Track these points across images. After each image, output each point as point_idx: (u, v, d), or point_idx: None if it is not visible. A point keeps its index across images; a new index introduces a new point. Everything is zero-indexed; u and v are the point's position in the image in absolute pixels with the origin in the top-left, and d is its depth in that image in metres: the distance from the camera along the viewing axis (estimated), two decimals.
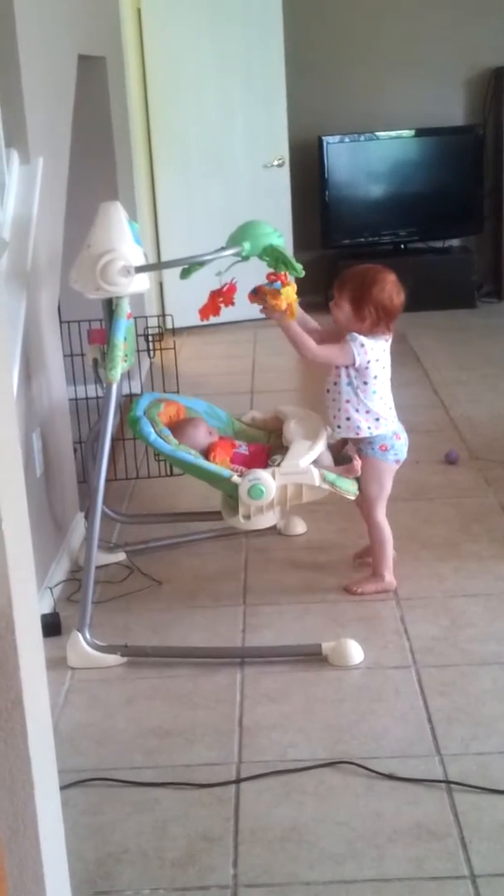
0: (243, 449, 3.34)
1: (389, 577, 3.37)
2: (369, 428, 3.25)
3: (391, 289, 3.20)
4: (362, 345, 3.20)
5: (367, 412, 3.25)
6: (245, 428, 3.52)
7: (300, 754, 2.58)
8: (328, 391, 3.30)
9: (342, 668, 2.95)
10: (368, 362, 3.21)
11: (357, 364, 3.21)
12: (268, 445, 3.41)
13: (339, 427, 3.28)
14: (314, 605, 3.33)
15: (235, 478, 3.11)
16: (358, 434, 3.26)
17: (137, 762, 2.60)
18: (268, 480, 3.07)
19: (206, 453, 3.25)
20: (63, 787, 1.98)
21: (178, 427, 3.31)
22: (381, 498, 3.34)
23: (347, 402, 3.24)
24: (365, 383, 3.23)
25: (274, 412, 3.52)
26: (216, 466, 3.17)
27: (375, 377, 3.24)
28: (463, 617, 3.20)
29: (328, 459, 3.22)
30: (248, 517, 3.15)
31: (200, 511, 3.85)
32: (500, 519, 3.89)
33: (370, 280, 3.20)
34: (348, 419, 3.26)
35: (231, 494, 3.18)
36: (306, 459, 3.11)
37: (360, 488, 3.26)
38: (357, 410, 3.24)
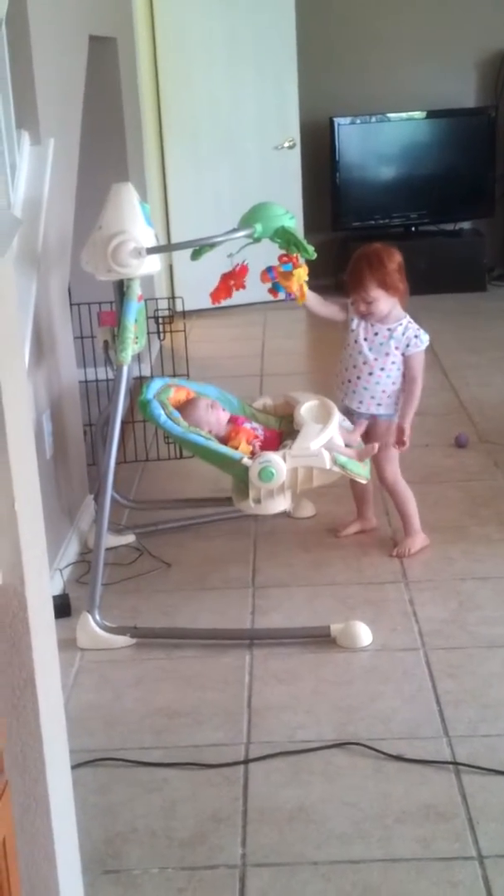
0: (259, 431, 3.32)
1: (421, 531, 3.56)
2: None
3: (392, 253, 3.40)
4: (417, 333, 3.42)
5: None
6: (256, 413, 3.50)
7: (308, 735, 2.60)
8: (371, 374, 3.40)
9: (351, 650, 2.96)
10: None
11: None
12: (279, 430, 3.39)
13: (378, 405, 3.44)
14: (323, 588, 3.34)
15: (246, 460, 3.08)
16: (391, 411, 3.45)
17: (146, 743, 2.61)
18: (278, 463, 3.05)
19: (226, 440, 3.22)
20: (72, 767, 1.99)
21: (181, 410, 3.29)
22: None
23: (393, 384, 3.42)
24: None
25: (284, 398, 3.50)
26: (227, 448, 3.15)
27: None
28: (472, 600, 3.20)
29: (340, 443, 3.20)
30: (258, 501, 3.12)
31: (210, 497, 3.85)
32: None
33: (377, 260, 3.35)
34: (390, 398, 3.43)
35: (242, 478, 3.16)
36: (317, 442, 3.09)
37: (386, 454, 3.43)
38: (397, 390, 3.43)
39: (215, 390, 3.47)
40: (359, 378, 3.42)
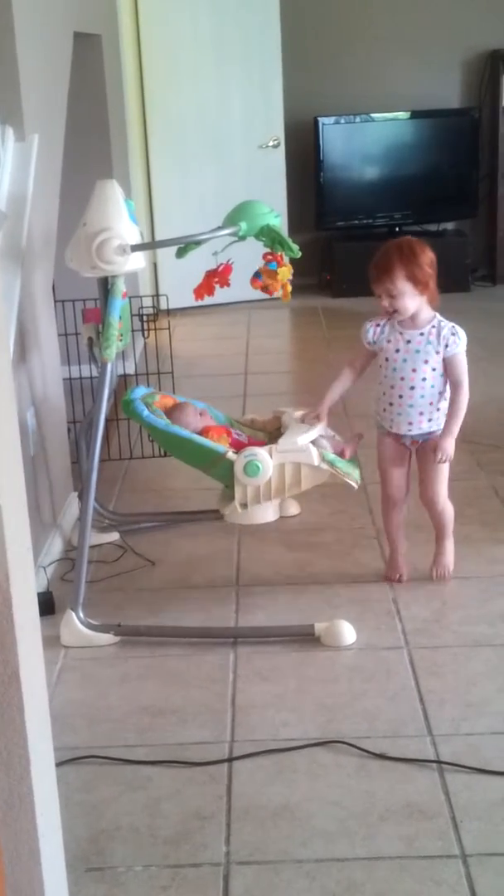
0: (242, 437, 3.31)
1: None
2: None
3: (425, 248, 3.10)
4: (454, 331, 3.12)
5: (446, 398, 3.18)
6: (243, 428, 3.44)
7: (292, 733, 2.59)
8: (412, 388, 3.12)
9: (335, 649, 2.96)
10: None
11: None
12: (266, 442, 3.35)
13: (429, 421, 3.16)
14: (307, 587, 3.34)
15: (231, 454, 3.04)
16: (442, 423, 3.18)
17: (130, 740, 2.61)
18: (264, 456, 3.01)
19: (201, 435, 3.22)
20: (56, 765, 1.98)
21: (169, 414, 3.28)
22: None
23: (440, 393, 3.14)
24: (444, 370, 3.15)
25: (273, 413, 3.45)
26: (211, 442, 3.12)
27: None
28: (455, 599, 3.21)
29: (328, 446, 3.16)
30: (245, 505, 3.06)
31: (193, 510, 3.83)
32: (491, 502, 3.90)
33: (408, 251, 3.05)
34: (438, 410, 3.16)
35: (226, 482, 3.10)
36: (304, 438, 3.07)
37: (437, 474, 3.22)
38: (444, 399, 3.16)
39: (202, 405, 3.44)
40: (401, 397, 3.13)
